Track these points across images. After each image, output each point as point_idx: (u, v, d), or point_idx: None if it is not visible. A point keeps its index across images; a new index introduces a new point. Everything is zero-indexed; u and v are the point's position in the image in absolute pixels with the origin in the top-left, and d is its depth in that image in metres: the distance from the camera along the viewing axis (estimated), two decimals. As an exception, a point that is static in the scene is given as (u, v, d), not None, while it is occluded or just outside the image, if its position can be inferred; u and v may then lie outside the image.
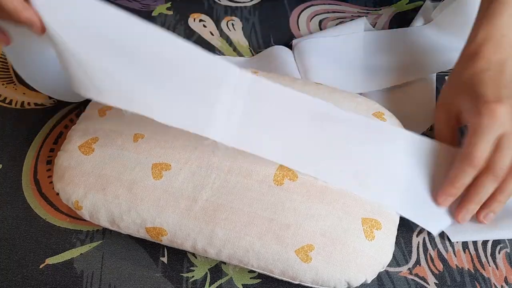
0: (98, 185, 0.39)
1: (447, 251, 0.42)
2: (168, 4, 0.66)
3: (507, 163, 0.38)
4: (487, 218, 0.41)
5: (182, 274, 0.40)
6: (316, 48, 0.57)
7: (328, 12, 0.64)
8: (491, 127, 0.38)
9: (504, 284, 0.40)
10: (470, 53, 0.43)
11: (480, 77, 0.41)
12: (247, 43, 0.60)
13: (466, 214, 0.40)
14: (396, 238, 0.39)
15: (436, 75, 0.55)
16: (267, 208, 0.37)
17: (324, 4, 0.65)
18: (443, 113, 0.45)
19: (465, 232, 0.41)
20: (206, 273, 0.41)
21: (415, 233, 0.43)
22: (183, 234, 0.38)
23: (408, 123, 0.46)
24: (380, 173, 0.40)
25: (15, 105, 0.53)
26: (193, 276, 0.40)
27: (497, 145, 0.38)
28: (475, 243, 0.42)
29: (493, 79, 0.40)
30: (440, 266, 0.41)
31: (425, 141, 0.43)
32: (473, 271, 0.41)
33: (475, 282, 0.40)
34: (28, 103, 0.53)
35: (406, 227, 0.43)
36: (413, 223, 0.43)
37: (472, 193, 0.40)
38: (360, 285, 0.37)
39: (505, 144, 0.38)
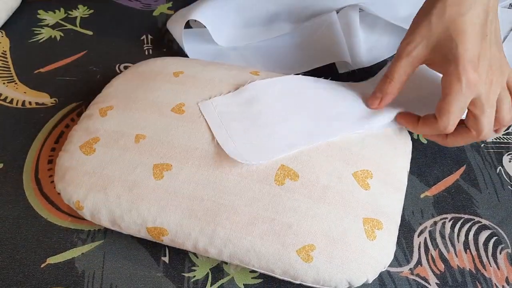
0: (99, 185, 0.39)
1: (448, 251, 0.42)
2: (169, 4, 0.66)
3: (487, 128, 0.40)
4: None
5: (183, 274, 0.40)
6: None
7: None
8: (467, 96, 0.38)
9: (505, 284, 0.40)
10: None
11: (461, 28, 0.38)
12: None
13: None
14: (398, 238, 0.39)
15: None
16: (268, 208, 0.37)
17: None
18: (408, 67, 0.41)
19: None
20: (208, 273, 0.41)
21: (417, 233, 0.43)
22: (184, 234, 0.38)
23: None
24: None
25: (16, 104, 0.53)
26: (194, 276, 0.40)
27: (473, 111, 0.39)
28: (476, 243, 0.42)
29: (475, 31, 0.38)
30: (441, 266, 0.41)
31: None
32: (474, 271, 0.41)
33: (476, 282, 0.40)
34: (29, 102, 0.53)
35: (407, 227, 0.43)
36: (414, 223, 0.43)
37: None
38: (362, 285, 0.37)
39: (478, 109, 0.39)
